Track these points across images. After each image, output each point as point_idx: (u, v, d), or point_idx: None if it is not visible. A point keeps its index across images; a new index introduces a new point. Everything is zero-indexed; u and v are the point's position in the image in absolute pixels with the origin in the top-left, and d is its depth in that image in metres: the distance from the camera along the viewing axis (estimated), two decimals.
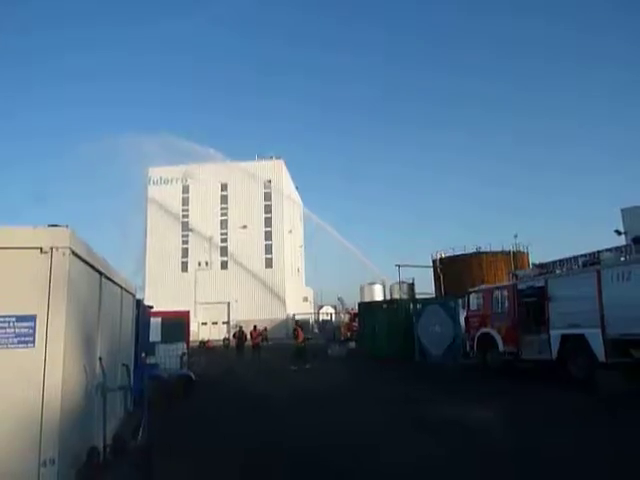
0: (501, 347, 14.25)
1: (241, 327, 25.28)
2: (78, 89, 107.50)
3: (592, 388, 10.86)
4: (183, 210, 58.00)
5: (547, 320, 12.66)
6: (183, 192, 58.27)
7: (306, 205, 70.72)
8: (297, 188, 69.39)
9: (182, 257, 57.18)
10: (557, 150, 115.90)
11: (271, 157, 59.97)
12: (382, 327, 21.70)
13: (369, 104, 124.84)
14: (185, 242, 57.42)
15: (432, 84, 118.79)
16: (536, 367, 13.73)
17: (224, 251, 57.10)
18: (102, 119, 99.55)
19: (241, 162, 57.98)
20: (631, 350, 10.39)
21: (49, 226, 4.47)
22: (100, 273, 5.61)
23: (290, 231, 60.95)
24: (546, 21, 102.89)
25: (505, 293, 14.71)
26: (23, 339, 4.18)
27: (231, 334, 27.98)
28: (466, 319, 16.84)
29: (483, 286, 17.56)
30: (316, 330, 55.24)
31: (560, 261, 13.58)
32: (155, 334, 14.48)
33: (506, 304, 14.55)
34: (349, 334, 31.31)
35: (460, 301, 18.54)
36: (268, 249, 56.87)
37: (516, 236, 44.32)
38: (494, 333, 14.62)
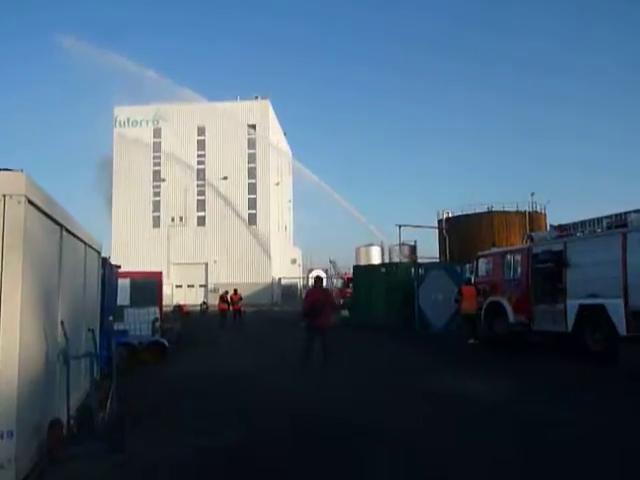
0: (511, 317, 14.48)
1: (227, 291, 25.64)
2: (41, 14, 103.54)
3: (610, 362, 11.12)
4: (154, 157, 57.21)
5: (564, 288, 12.85)
6: (154, 136, 57.32)
7: (296, 154, 70.22)
8: (285, 134, 68.55)
9: (153, 211, 56.84)
10: (578, 98, 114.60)
11: (256, 97, 58.85)
12: (379, 294, 21.94)
13: (367, 49, 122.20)
14: (157, 194, 56.93)
15: (435, 30, 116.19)
16: (549, 340, 14.04)
17: (201, 205, 56.80)
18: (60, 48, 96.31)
19: (221, 102, 56.90)
20: None
21: (0, 170, 4.38)
22: (61, 225, 5.55)
23: (277, 184, 60.55)
24: None
25: (518, 258, 14.83)
26: None
27: (216, 298, 28.29)
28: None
29: (494, 249, 17.70)
30: (304, 296, 55.86)
31: (582, 223, 13.62)
32: (123, 297, 14.50)
33: (519, 270, 14.69)
34: (342, 301, 31.67)
35: (467, 266, 18.73)
36: (252, 204, 56.64)
37: (533, 194, 44.33)
38: (504, 302, 14.82)
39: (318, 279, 13.13)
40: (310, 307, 11.56)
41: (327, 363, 10.95)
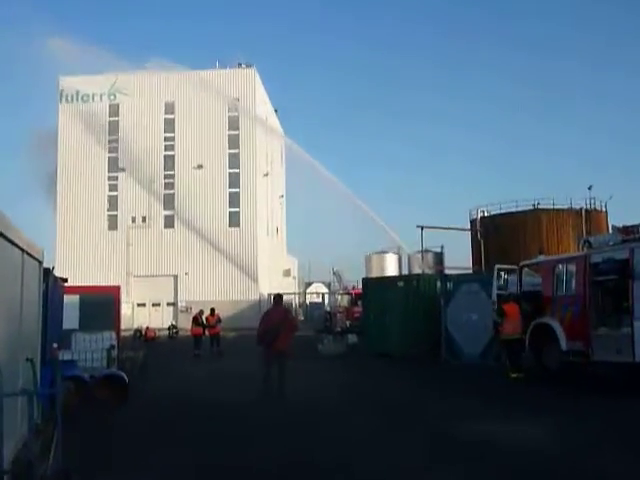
0: (564, 344, 14.43)
1: (202, 311, 25.65)
2: None
3: None
4: (110, 141, 57.31)
5: (631, 307, 12.82)
6: (110, 114, 57.43)
7: (290, 136, 70.16)
8: (276, 111, 68.63)
9: (109, 209, 56.89)
10: None
11: (239, 64, 58.93)
12: (396, 314, 21.88)
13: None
14: (113, 188, 56.99)
15: None
16: (612, 372, 14.00)
17: (170, 201, 56.78)
18: None
19: (194, 71, 56.85)
20: None
21: None
22: None
23: (266, 174, 60.61)
24: None
25: (572, 268, 14.80)
26: None
27: (188, 319, 28.33)
28: None
29: (541, 257, 17.69)
30: (301, 317, 55.77)
31: None
32: (71, 318, 14.54)
33: (573, 283, 14.66)
34: (349, 323, 31.60)
35: (508, 278, 18.69)
36: (234, 200, 56.65)
37: (591, 188, 44.22)
38: (554, 324, 14.80)
39: (277, 297, 14.26)
40: (264, 331, 13.05)
41: (284, 395, 12.32)
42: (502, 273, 18.05)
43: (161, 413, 11.54)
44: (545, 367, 15.21)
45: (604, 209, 44.32)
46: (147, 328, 35.69)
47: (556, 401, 12.42)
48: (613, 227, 16.70)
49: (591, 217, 42.38)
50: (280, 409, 11.45)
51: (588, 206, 43.24)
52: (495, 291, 17.09)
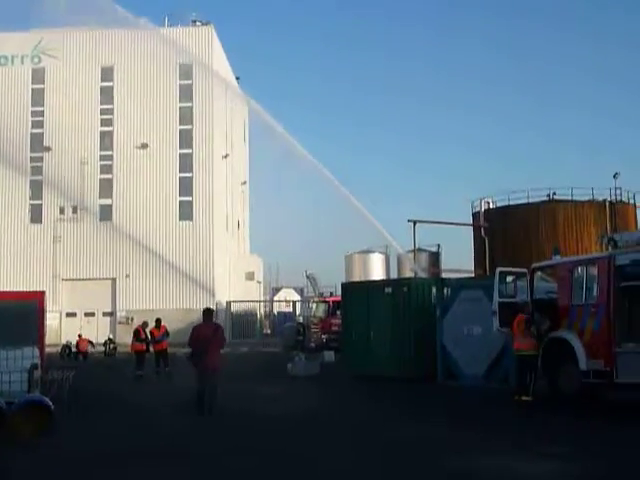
0: (583, 363, 14.51)
1: (146, 323, 25.32)
2: None
3: None
4: (34, 114, 56.62)
5: None
6: (34, 81, 56.74)
7: (256, 109, 69.62)
8: (238, 80, 68.29)
9: (32, 198, 56.23)
10: None
11: (193, 22, 58.43)
12: (383, 326, 21.92)
13: None
14: (37, 171, 56.32)
15: None
16: None
17: (106, 188, 56.27)
18: None
19: (137, 29, 56.08)
20: None
21: None
22: None
23: (226, 156, 60.30)
24: None
25: (594, 271, 14.90)
26: None
27: (129, 332, 28.06)
28: None
29: (558, 258, 17.80)
30: (268, 330, 55.70)
31: None
32: None
33: (595, 290, 14.77)
34: (325, 338, 31.65)
35: (517, 283, 18.81)
36: (185, 187, 56.21)
37: (617, 176, 44.54)
38: (572, 339, 14.90)
39: (207, 311, 16.19)
40: (195, 346, 15.10)
41: (212, 412, 14.41)
42: (507, 277, 18.12)
43: (94, 447, 11.44)
44: (561, 390, 15.30)
45: (632, 201, 44.68)
46: (79, 337, 35.52)
47: (570, 432, 12.48)
48: None
49: (617, 211, 42.70)
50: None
51: (613, 198, 43.55)
52: (497, 299, 17.05)
